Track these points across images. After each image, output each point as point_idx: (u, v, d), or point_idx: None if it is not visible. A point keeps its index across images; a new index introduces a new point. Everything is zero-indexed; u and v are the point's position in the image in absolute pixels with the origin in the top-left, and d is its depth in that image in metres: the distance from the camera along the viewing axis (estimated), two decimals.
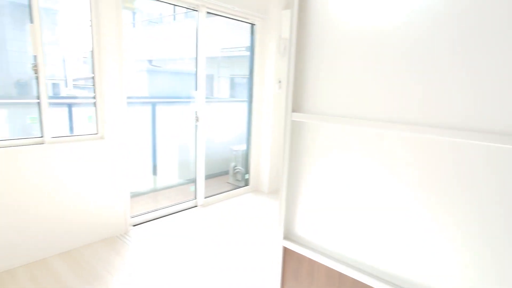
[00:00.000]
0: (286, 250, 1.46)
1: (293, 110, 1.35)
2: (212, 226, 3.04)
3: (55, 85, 3.18)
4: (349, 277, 1.27)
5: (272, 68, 3.79)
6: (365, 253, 1.24)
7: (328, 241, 1.34)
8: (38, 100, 2.26)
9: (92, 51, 2.47)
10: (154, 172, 4.02)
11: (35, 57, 2.19)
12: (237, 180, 4.32)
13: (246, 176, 4.17)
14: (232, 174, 4.36)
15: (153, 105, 4.00)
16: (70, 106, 3.12)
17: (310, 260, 1.39)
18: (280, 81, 3.89)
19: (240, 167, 4.27)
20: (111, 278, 2.19)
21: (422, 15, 1.02)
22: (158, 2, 2.89)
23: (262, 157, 4.09)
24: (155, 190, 3.98)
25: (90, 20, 2.42)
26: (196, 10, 3.15)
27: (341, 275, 1.29)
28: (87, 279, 2.17)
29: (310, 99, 1.31)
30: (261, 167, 4.11)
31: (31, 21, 2.14)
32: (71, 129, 3.07)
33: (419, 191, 1.08)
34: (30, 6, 2.12)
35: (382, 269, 1.20)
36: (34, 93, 2.26)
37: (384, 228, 1.18)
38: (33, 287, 2.05)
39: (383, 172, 1.15)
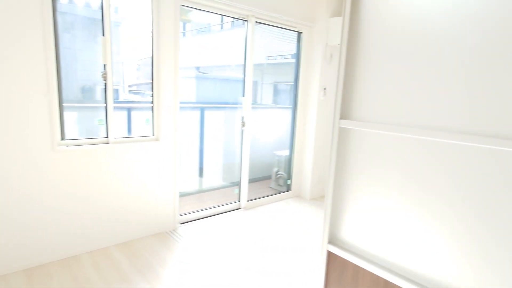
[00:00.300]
0: (330, 255, 1.49)
1: (341, 117, 1.38)
2: (255, 229, 3.12)
3: (114, 91, 3.51)
4: (395, 285, 1.27)
5: (317, 75, 3.81)
6: (414, 261, 1.23)
7: (374, 247, 1.35)
8: (105, 104, 2.53)
9: (152, 60, 2.70)
10: (200, 173, 4.22)
11: (104, 66, 2.45)
12: (279, 185, 4.38)
13: (288, 182, 4.21)
14: (274, 179, 4.42)
15: (202, 110, 4.22)
16: (129, 110, 3.41)
17: (354, 265, 1.40)
18: (325, 88, 3.89)
19: (282, 173, 4.32)
20: (162, 270, 2.35)
21: (482, 21, 1.02)
22: (210, 13, 3.07)
23: (304, 163, 4.11)
24: (200, 191, 4.17)
25: (151, 32, 2.65)
26: (246, 20, 3.30)
27: (387, 283, 1.29)
28: (141, 269, 2.35)
29: (359, 106, 1.34)
30: (304, 173, 4.12)
31: (103, 34, 2.41)
32: (129, 130, 3.36)
33: (475, 201, 1.06)
34: (103, 21, 2.39)
35: (433, 279, 1.18)
36: (98, 98, 2.53)
37: (435, 237, 1.16)
38: (95, 272, 2.28)
39: (435, 180, 1.14)
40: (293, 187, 4.16)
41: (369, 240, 1.36)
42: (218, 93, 4.66)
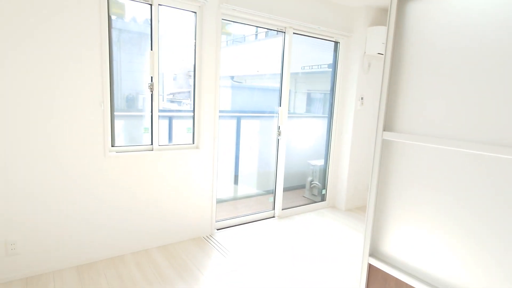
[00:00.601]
0: (371, 268, 1.47)
1: (385, 129, 1.38)
2: (291, 238, 3.12)
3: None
4: None
5: (354, 85, 3.78)
6: (459, 277, 1.19)
7: (418, 262, 1.32)
8: (151, 113, 2.69)
9: (194, 71, 2.84)
10: (235, 181, 4.31)
11: (151, 78, 2.62)
12: (313, 194, 4.35)
13: (323, 192, 4.17)
14: (308, 189, 4.40)
15: (238, 118, 4.32)
16: (170, 118, 3.59)
17: (397, 280, 1.38)
18: (362, 98, 3.84)
19: (317, 182, 4.29)
20: (200, 274, 2.43)
21: None
22: (249, 26, 3.18)
23: (340, 173, 4.06)
24: (235, 198, 4.25)
25: (194, 44, 2.79)
26: (283, 32, 3.36)
27: None
28: (180, 272, 2.45)
29: (403, 118, 1.33)
30: (339, 183, 4.07)
31: (151, 48, 2.58)
32: (170, 138, 3.52)
33: None
34: (151, 37, 2.56)
35: None
36: (143, 107, 2.70)
37: (484, 254, 1.12)
38: (139, 272, 2.41)
39: (485, 196, 1.11)
40: (328, 197, 4.12)
41: (413, 254, 1.34)
42: (252, 102, 4.76)
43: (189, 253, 2.72)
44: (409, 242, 1.35)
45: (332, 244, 3.03)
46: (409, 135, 1.30)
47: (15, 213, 2.16)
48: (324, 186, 4.17)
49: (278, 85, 4.09)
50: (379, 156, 1.41)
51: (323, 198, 4.16)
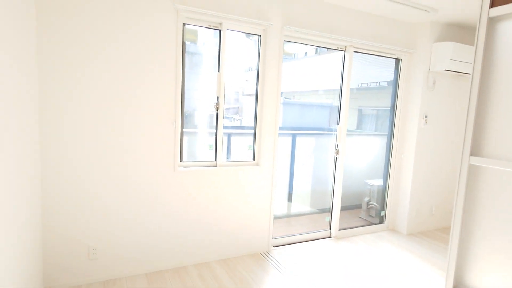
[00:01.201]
0: None
1: (472, 154, 1.31)
2: (349, 261, 3.02)
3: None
4: None
5: (417, 103, 3.62)
6: None
7: None
8: (215, 131, 2.83)
9: (256, 91, 2.95)
10: (289, 198, 4.30)
11: (217, 97, 2.77)
12: (370, 216, 4.17)
13: (382, 213, 3.98)
14: (365, 209, 4.24)
15: (293, 136, 4.35)
16: (229, 135, 3.73)
17: None
18: (426, 116, 3.66)
19: (374, 203, 4.12)
20: (257, 287, 2.45)
21: None
22: (308, 46, 3.23)
23: (401, 195, 3.86)
24: (289, 215, 4.23)
25: (257, 65, 2.91)
26: (343, 50, 3.36)
27: None
28: (239, 285, 2.49)
29: (494, 142, 1.26)
30: (400, 206, 3.86)
31: (218, 70, 2.74)
32: (229, 154, 3.65)
33: None
34: (219, 59, 2.73)
35: None
36: (207, 124, 2.84)
37: None
38: (201, 283, 2.49)
39: None
40: (387, 219, 3.93)
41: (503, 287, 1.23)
42: (303, 119, 4.77)
43: (248, 269, 2.75)
44: (498, 275, 1.25)
45: (394, 270, 2.86)
46: (501, 161, 1.22)
47: (97, 222, 2.39)
48: (382, 208, 3.99)
49: (330, 101, 4.06)
50: (465, 182, 1.33)
51: (381, 220, 3.98)
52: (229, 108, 3.21)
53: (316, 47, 4.51)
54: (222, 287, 2.45)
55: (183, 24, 2.56)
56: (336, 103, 3.82)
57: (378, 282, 2.65)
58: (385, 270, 2.86)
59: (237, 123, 3.60)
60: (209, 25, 2.66)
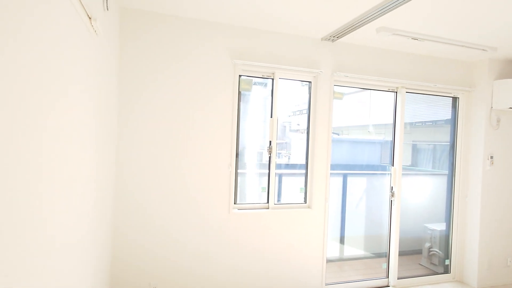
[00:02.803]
0: None
1: None
2: None
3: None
4: None
5: (480, 142, 3.40)
6: None
7: None
8: (268, 172, 2.92)
9: (307, 133, 3.02)
10: (341, 240, 4.14)
11: (270, 142, 2.89)
12: (432, 263, 3.83)
13: (446, 262, 3.65)
14: (426, 256, 3.91)
15: (344, 176, 4.27)
16: (280, 176, 3.79)
17: None
18: (492, 157, 3.40)
19: (436, 250, 3.80)
20: None
21: None
22: (360, 89, 3.28)
23: (468, 242, 3.52)
24: (341, 259, 4.05)
25: (308, 108, 3.01)
26: (395, 92, 3.34)
27: None
28: None
29: None
30: (468, 254, 3.52)
31: (271, 116, 2.89)
32: (279, 196, 3.69)
33: None
34: (271, 105, 2.88)
35: None
36: (259, 166, 2.94)
37: None
38: None
39: None
40: (452, 269, 3.58)
41: None
42: (354, 155, 4.67)
43: None
44: None
45: None
46: None
47: (157, 263, 2.54)
48: (447, 256, 3.66)
49: (381, 136, 3.96)
50: None
51: (446, 270, 3.63)
52: (277, 144, 3.30)
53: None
54: None
55: (239, 76, 2.79)
56: (388, 138, 3.74)
57: None
58: None
59: (285, 160, 3.63)
60: (262, 75, 2.86)
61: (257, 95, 2.97)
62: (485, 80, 3.37)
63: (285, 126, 3.85)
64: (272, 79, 2.89)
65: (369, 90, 4.35)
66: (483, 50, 2.98)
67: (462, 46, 2.88)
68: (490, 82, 3.35)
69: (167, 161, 2.54)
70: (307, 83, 3.03)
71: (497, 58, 3.35)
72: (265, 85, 2.95)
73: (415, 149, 4.56)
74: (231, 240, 2.73)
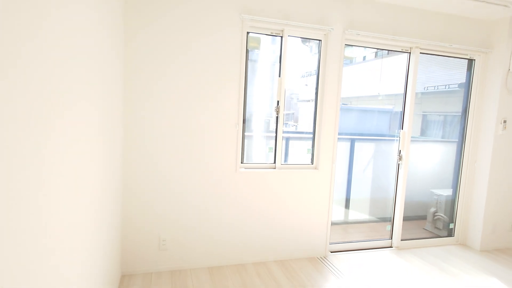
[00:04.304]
0: None
1: None
2: (414, 273, 2.86)
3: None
4: None
5: (494, 106, 3.31)
6: None
7: None
8: (275, 134, 2.91)
9: (316, 95, 2.97)
10: (347, 204, 4.20)
11: (278, 102, 2.86)
12: (437, 228, 3.88)
13: (450, 226, 3.69)
14: (431, 220, 3.96)
15: (352, 141, 4.25)
16: (287, 139, 3.79)
17: None
18: (505, 121, 3.32)
19: (441, 214, 3.83)
20: None
21: None
22: (367, 50, 3.16)
23: (473, 207, 3.53)
24: (346, 222, 4.13)
25: (318, 69, 2.94)
26: (408, 52, 3.23)
27: None
28: (296, 286, 2.51)
29: None
30: (473, 218, 3.54)
31: (279, 75, 2.83)
32: (286, 157, 3.70)
33: None
34: (280, 64, 2.82)
35: None
36: (266, 128, 2.93)
37: None
38: (260, 282, 2.57)
39: None
40: (456, 232, 3.63)
41: None
42: (363, 125, 4.62)
43: (306, 272, 2.76)
44: None
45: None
46: None
47: (167, 216, 2.62)
48: (451, 220, 3.70)
49: (391, 106, 3.89)
50: None
51: (450, 233, 3.68)
52: (285, 114, 3.28)
53: (375, 51, 4.38)
54: (279, 286, 2.50)
55: (247, 33, 2.71)
56: (397, 109, 3.67)
57: None
58: (447, 283, 2.65)
59: (292, 129, 3.63)
60: (271, 32, 2.77)
61: (265, 57, 2.90)
62: (504, 40, 3.21)
63: (292, 98, 3.79)
64: (281, 37, 2.80)
65: (381, 59, 4.22)
66: (505, 6, 2.82)
67: (483, 1, 2.72)
68: (509, 43, 3.20)
69: (175, 120, 2.54)
70: (316, 53, 2.94)
71: None
72: (273, 46, 2.86)
73: (424, 120, 4.48)
74: (238, 199, 2.78)
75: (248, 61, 2.77)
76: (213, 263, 2.77)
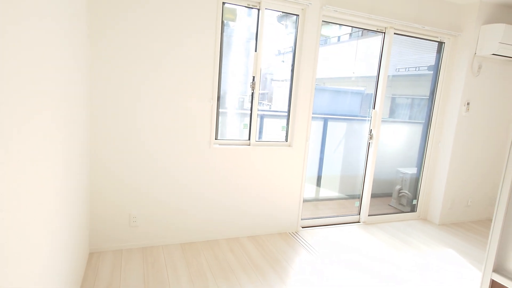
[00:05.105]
0: (494, 284, 1.36)
1: None
2: (379, 246, 3.01)
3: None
4: None
5: (460, 89, 3.46)
6: None
7: None
8: (250, 111, 2.87)
9: (292, 72, 2.94)
10: (318, 182, 4.30)
11: (253, 77, 2.80)
12: (401, 204, 4.10)
13: (414, 202, 3.90)
14: (396, 197, 4.16)
15: (325, 120, 4.31)
16: (261, 116, 3.76)
17: None
18: (468, 103, 3.49)
19: (406, 191, 4.04)
20: (288, 266, 2.52)
21: None
22: (346, 26, 3.16)
23: (435, 184, 3.75)
24: (317, 199, 4.25)
25: (294, 47, 2.89)
26: (383, 32, 3.26)
27: None
28: (269, 260, 2.57)
29: None
30: (434, 195, 3.76)
31: (255, 50, 2.76)
32: (260, 134, 3.69)
33: None
34: (256, 38, 2.74)
35: None
36: (239, 104, 2.89)
37: None
38: (233, 256, 2.60)
39: None
40: (418, 208, 3.85)
41: None
42: (335, 106, 4.69)
43: (277, 246, 2.83)
44: None
45: (425, 259, 2.83)
46: None
47: (138, 192, 2.54)
48: (415, 196, 3.91)
49: (363, 88, 3.97)
50: None
51: (413, 209, 3.90)
52: (260, 93, 3.23)
53: (349, 33, 4.39)
54: (253, 262, 2.55)
55: (223, 3, 2.59)
56: (369, 91, 3.75)
57: (408, 269, 2.63)
58: (415, 258, 2.83)
59: (266, 108, 3.60)
60: (248, 4, 2.67)
61: (240, 33, 2.80)
62: (472, 24, 3.32)
63: (266, 78, 3.74)
64: (258, 10, 2.71)
65: (356, 40, 4.22)
66: None
67: None
68: (477, 27, 3.32)
69: (147, 91, 2.42)
70: (291, 32, 2.88)
71: (488, 1, 3.27)
72: (249, 19, 2.77)
73: (394, 102, 4.61)
74: (211, 175, 2.75)
75: (224, 36, 2.67)
76: (186, 239, 2.76)
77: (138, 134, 2.46)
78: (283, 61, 2.99)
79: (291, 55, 2.95)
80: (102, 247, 2.51)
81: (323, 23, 3.01)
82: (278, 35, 3.00)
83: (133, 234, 2.59)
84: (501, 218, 1.34)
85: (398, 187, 4.14)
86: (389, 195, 4.25)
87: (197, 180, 2.71)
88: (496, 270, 1.37)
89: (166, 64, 2.45)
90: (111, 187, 2.46)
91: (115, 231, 2.53)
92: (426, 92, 3.79)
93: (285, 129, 3.04)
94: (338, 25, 3.31)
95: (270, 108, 3.79)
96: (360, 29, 3.38)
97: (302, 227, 3.27)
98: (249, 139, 2.90)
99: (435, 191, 3.74)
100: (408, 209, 3.94)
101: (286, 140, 3.04)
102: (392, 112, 4.52)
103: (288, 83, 2.99)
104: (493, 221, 1.36)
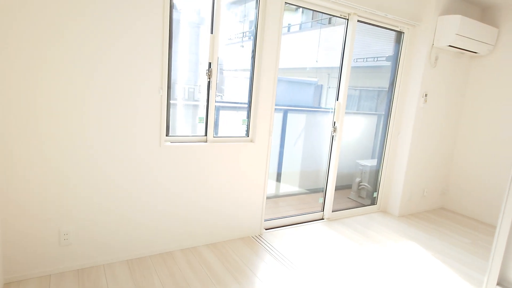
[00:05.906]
0: None
1: None
2: (344, 244, 2.88)
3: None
4: None
5: (418, 80, 3.44)
6: None
7: None
8: (207, 103, 2.51)
9: (253, 60, 2.63)
10: (279, 177, 4.09)
11: (209, 63, 2.44)
12: (360, 197, 4.06)
13: (374, 195, 3.88)
14: (355, 190, 4.12)
15: (284, 112, 4.09)
16: (218, 109, 3.41)
17: None
18: (426, 95, 3.50)
19: (366, 184, 4.00)
20: (253, 274, 2.25)
21: None
22: (308, 10, 2.92)
23: (395, 177, 3.74)
24: (277, 196, 4.04)
25: (255, 30, 2.58)
26: (346, 19, 3.08)
27: None
28: (231, 271, 2.28)
29: None
30: (393, 187, 3.76)
31: (211, 32, 2.39)
32: (216, 128, 3.35)
33: None
34: (212, 18, 2.37)
35: None
36: (194, 96, 2.52)
37: None
38: (190, 271, 2.25)
39: None
40: (378, 201, 3.83)
41: None
42: (290, 96, 4.51)
43: (240, 254, 2.54)
44: None
45: (387, 253, 2.75)
46: None
47: (69, 203, 2.06)
48: (375, 189, 3.88)
49: (315, 79, 3.83)
50: None
51: (373, 202, 3.87)
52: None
53: (300, 24, 4.19)
54: (214, 275, 2.23)
55: None
56: (321, 82, 3.62)
57: (373, 265, 2.52)
58: (378, 252, 2.74)
59: (218, 99, 3.27)
60: None
61: (190, 17, 2.41)
62: (430, 15, 3.30)
63: (220, 69, 3.39)
64: None
65: (319, 29, 4.04)
66: None
67: None
68: (435, 18, 3.30)
69: (83, 77, 1.93)
70: (244, 19, 2.56)
71: None
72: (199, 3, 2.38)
73: (354, 93, 4.55)
74: (162, 179, 2.35)
75: (172, 21, 2.25)
76: (134, 254, 2.34)
77: (71, 134, 1.97)
78: (242, 46, 2.66)
79: (241, 43, 2.62)
80: (23, 274, 2.00)
81: (286, 5, 2.73)
82: (233, 20, 2.66)
83: (64, 255, 2.10)
84: (505, 233, 1.19)
85: (358, 179, 4.09)
86: (348, 187, 4.19)
87: (146, 185, 2.29)
88: (501, 283, 1.22)
89: (108, 46, 1.97)
90: (32, 199, 1.95)
91: (40, 253, 2.03)
92: (386, 84, 3.74)
93: (246, 123, 2.74)
94: (298, 14, 3.07)
95: (221, 99, 3.45)
96: (321, 17, 3.17)
97: (266, 229, 3.03)
98: (206, 134, 2.54)
99: (395, 183, 3.74)
100: (369, 202, 3.90)
101: (248, 135, 2.74)
102: (352, 104, 4.44)
103: (242, 72, 2.67)
104: (496, 235, 1.21)
